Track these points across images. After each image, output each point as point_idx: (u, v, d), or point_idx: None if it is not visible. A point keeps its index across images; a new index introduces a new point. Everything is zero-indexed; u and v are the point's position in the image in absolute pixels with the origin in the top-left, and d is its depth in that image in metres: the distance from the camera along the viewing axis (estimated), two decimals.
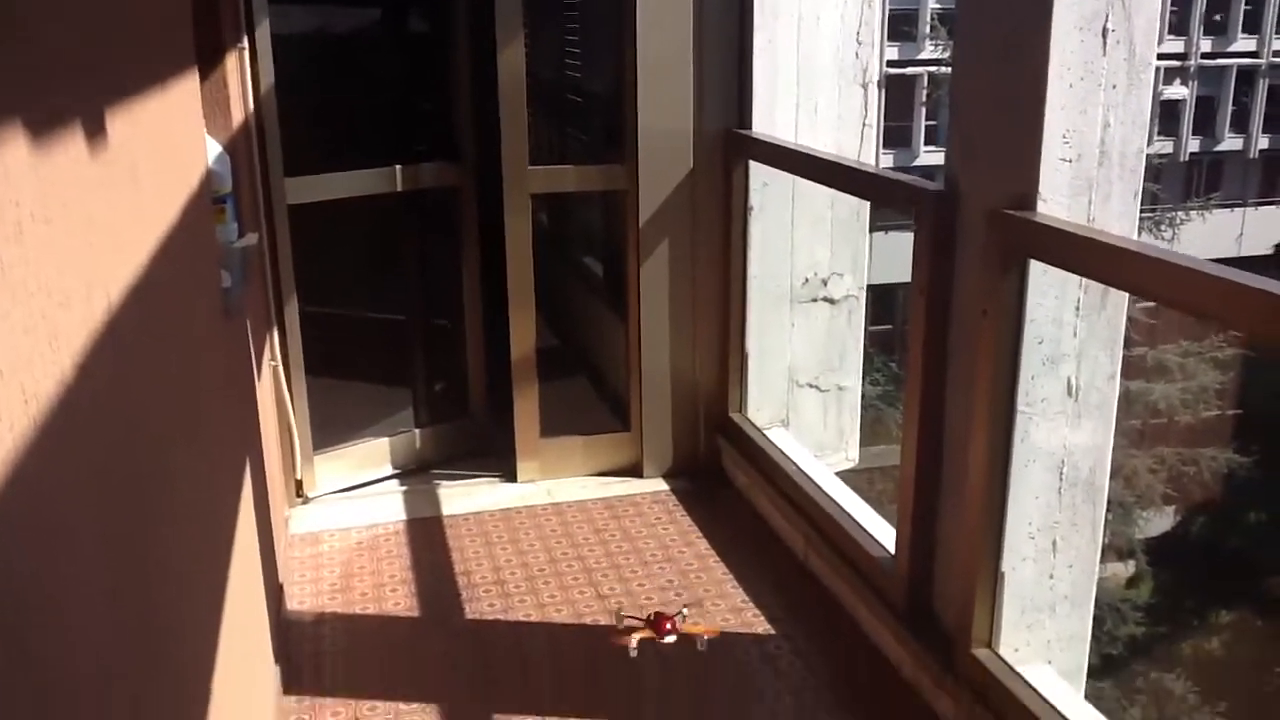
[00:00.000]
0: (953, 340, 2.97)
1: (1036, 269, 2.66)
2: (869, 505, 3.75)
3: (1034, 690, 2.71)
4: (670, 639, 2.91)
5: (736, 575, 3.81)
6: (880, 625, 3.30)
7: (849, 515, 3.64)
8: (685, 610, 2.93)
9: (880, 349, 12.71)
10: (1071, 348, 2.76)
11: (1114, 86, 2.66)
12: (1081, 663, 2.96)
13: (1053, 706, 2.65)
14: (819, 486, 3.86)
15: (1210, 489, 11.38)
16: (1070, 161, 2.67)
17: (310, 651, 3.52)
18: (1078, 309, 2.76)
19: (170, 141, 2.33)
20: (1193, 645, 11.31)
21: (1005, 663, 2.82)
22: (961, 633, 2.90)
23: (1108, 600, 10.54)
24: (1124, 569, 11.31)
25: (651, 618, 2.96)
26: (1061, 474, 2.83)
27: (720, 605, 3.64)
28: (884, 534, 3.44)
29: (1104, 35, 2.62)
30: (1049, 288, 2.71)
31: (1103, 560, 11.24)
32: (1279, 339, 2.13)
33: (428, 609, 3.75)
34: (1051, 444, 2.80)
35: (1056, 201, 2.66)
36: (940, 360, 3.00)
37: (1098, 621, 10.34)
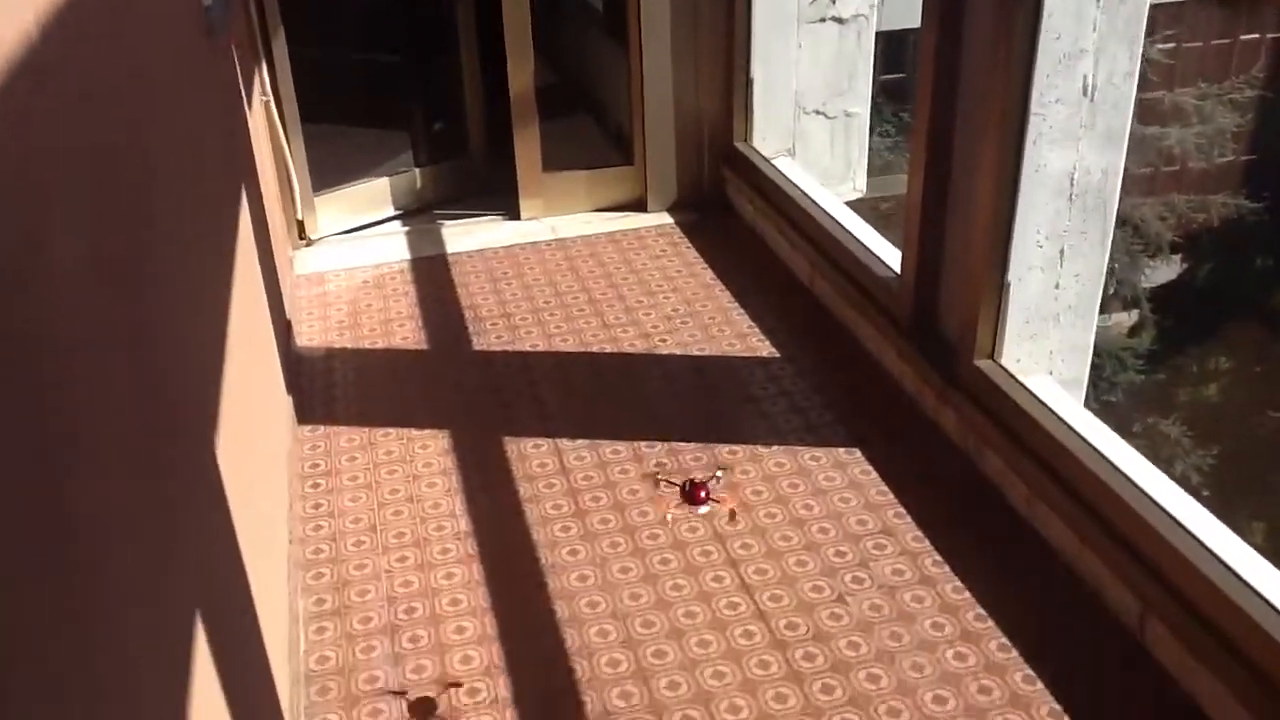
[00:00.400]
0: (966, 40, 2.83)
1: None
2: (875, 230, 3.71)
3: (1035, 398, 2.74)
4: (704, 509, 2.71)
5: (741, 302, 3.81)
6: (884, 343, 3.32)
7: (855, 238, 3.60)
8: (720, 474, 2.76)
9: (890, 99, 12.34)
10: (1090, 43, 2.63)
11: None
12: (1082, 374, 2.98)
13: (1054, 413, 2.68)
14: (826, 212, 3.80)
15: (1219, 236, 11.27)
16: None
17: (322, 384, 3.57)
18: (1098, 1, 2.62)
19: None
20: (1190, 392, 11.49)
21: (1007, 372, 2.84)
22: (964, 345, 2.91)
23: (1109, 348, 10.61)
24: (1127, 318, 11.33)
25: (687, 486, 2.76)
26: (1073, 180, 2.76)
27: (725, 331, 3.66)
28: (890, 255, 3.41)
29: None
30: None
31: (1107, 310, 11.26)
32: None
33: (436, 342, 3.78)
34: (1064, 149, 2.71)
35: None
36: (953, 64, 2.88)
37: (1097, 369, 10.49)
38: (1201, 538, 2.24)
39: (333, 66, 4.70)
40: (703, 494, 2.81)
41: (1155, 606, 2.27)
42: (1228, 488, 10.03)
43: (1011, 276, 2.80)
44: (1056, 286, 2.85)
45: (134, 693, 1.28)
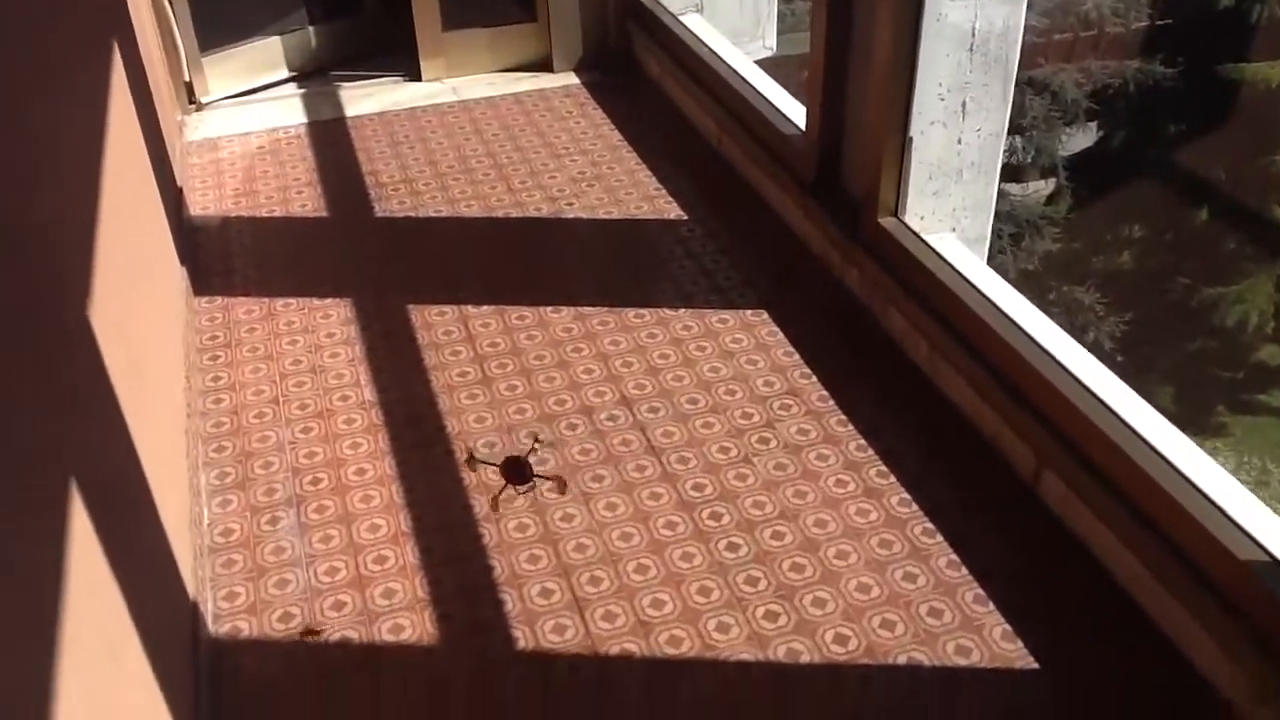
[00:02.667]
0: None
1: None
2: (784, 89, 3.64)
3: (938, 255, 2.74)
4: (524, 488, 2.43)
5: (649, 164, 3.74)
6: (790, 202, 3.29)
7: (763, 97, 3.54)
8: (538, 446, 2.43)
9: None
10: None
11: None
12: (985, 231, 2.99)
13: (955, 270, 2.69)
14: (733, 70, 3.72)
15: (1133, 101, 11.33)
16: None
17: (219, 254, 3.44)
18: None
19: None
20: (1104, 259, 11.71)
21: (911, 230, 2.83)
22: (868, 203, 2.89)
23: (1027, 217, 10.71)
24: (1044, 186, 11.43)
25: (508, 466, 2.44)
26: (974, 30, 2.70)
27: (633, 194, 3.60)
28: (796, 113, 3.36)
29: None
30: None
31: (1023, 179, 11.32)
32: None
33: (336, 209, 3.66)
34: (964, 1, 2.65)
35: None
36: None
37: (1015, 239, 10.62)
38: (1094, 388, 2.28)
39: None
40: (526, 470, 2.51)
41: (1050, 459, 2.33)
42: (1139, 353, 10.33)
43: (914, 131, 2.77)
44: (959, 142, 2.83)
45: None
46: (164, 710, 1.70)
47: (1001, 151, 2.99)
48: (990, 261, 2.94)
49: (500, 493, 2.44)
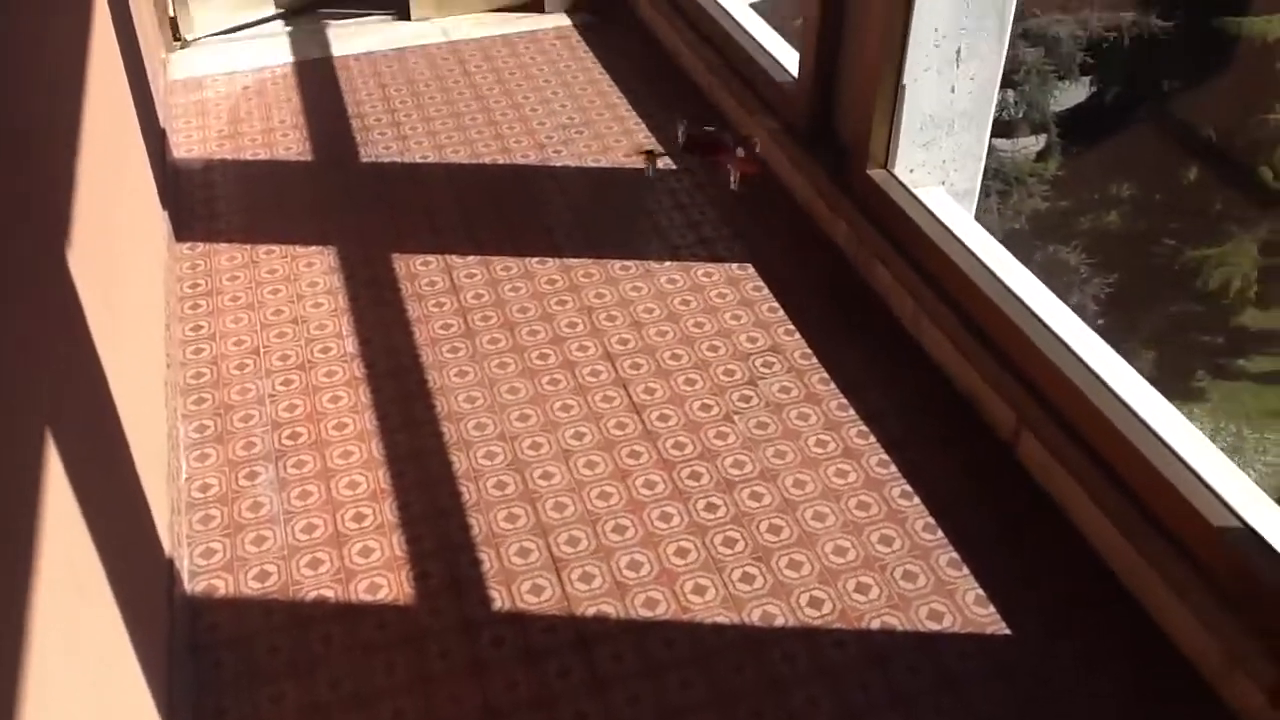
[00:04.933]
0: None
1: None
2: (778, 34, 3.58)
3: (926, 209, 2.71)
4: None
5: (640, 111, 3.68)
6: (779, 152, 3.25)
7: (755, 41, 3.48)
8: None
9: None
10: None
11: None
12: (974, 184, 2.95)
13: (943, 225, 2.66)
14: (727, 13, 3.65)
15: (1128, 55, 11.15)
16: None
17: (202, 198, 3.40)
18: None
19: None
20: (1091, 219, 11.60)
21: (899, 183, 2.80)
22: (858, 154, 2.85)
23: (1017, 174, 10.60)
24: (1034, 142, 11.27)
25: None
26: None
27: (622, 141, 3.54)
28: (789, 59, 3.30)
29: None
30: None
31: (1014, 134, 11.18)
32: None
33: (321, 153, 3.61)
34: None
35: None
36: None
37: (1003, 195, 10.53)
38: (1075, 349, 2.27)
39: None
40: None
41: (1029, 420, 2.32)
42: (1123, 316, 10.27)
43: (907, 79, 2.72)
44: (952, 90, 2.78)
45: None
46: (134, 662, 1.71)
47: (994, 100, 2.95)
48: (977, 218, 2.91)
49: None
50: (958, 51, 2.69)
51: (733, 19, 3.63)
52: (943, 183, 2.87)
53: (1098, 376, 2.22)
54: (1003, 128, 10.46)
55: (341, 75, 4.01)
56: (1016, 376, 2.36)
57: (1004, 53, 2.79)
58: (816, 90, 3.02)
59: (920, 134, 2.78)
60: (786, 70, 3.26)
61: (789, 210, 3.18)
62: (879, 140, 2.79)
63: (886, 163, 2.82)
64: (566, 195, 3.36)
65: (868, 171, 2.81)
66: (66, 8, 2.44)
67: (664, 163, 3.34)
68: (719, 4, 3.72)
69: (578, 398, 2.56)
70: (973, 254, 2.57)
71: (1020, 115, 11.13)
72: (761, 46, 3.45)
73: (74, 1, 2.55)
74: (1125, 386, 2.20)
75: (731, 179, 3.22)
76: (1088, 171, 11.62)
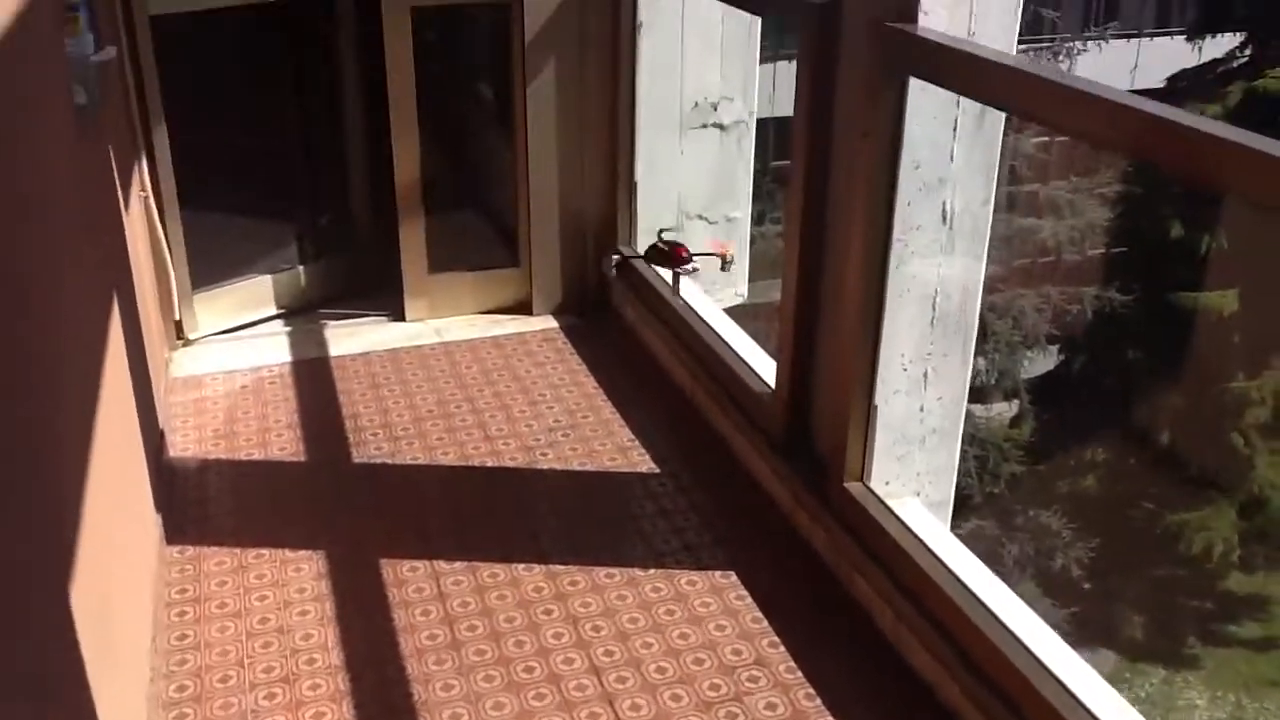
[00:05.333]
0: (834, 165, 2.94)
1: (916, 88, 2.61)
2: (755, 341, 3.79)
3: (903, 524, 2.81)
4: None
5: (623, 414, 3.84)
6: (760, 461, 3.38)
7: (733, 351, 3.67)
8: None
9: (784, 185, 12.63)
10: (948, 173, 2.75)
11: None
12: (948, 494, 3.07)
13: (919, 540, 2.75)
14: (705, 322, 3.87)
15: (1092, 328, 11.78)
16: None
17: (194, 499, 3.48)
18: (955, 130, 2.73)
19: None
20: (1069, 483, 11.89)
21: (876, 496, 2.91)
22: (835, 466, 2.97)
23: (991, 439, 10.99)
24: (1008, 409, 11.74)
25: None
26: (934, 304, 2.86)
27: (607, 444, 3.68)
28: (766, 369, 3.48)
29: None
30: (927, 107, 2.66)
31: (988, 400, 11.65)
32: (1151, 157, 2.13)
33: (314, 454, 3.72)
34: (925, 274, 2.81)
35: (936, 13, 2.60)
36: (821, 187, 2.98)
37: (981, 461, 10.81)
38: (1061, 677, 2.31)
39: (217, 152, 4.64)
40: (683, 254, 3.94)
41: None
42: (1108, 580, 10.37)
43: (878, 399, 2.89)
44: (921, 410, 2.95)
45: None
46: None
47: (963, 415, 3.11)
48: (956, 485, 3.02)
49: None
50: (925, 375, 2.87)
51: (709, 327, 3.85)
52: (918, 494, 2.99)
53: (1074, 696, 2.25)
54: (976, 394, 10.88)
55: (337, 375, 4.17)
56: (994, 692, 2.39)
57: (969, 370, 2.97)
58: (792, 404, 3.18)
59: (894, 449, 2.92)
60: (764, 381, 3.44)
61: (770, 518, 3.27)
62: (854, 454, 2.92)
63: (863, 475, 2.94)
64: (553, 499, 3.46)
65: (845, 485, 2.93)
66: (76, 316, 2.58)
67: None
68: (696, 313, 3.96)
69: (564, 714, 2.56)
70: (948, 569, 2.65)
71: (993, 382, 11.59)
72: (739, 356, 3.65)
73: (84, 309, 2.69)
74: (1105, 707, 2.23)
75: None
76: (1062, 436, 11.98)
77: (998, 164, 2.80)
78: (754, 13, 3.98)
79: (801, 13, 2.97)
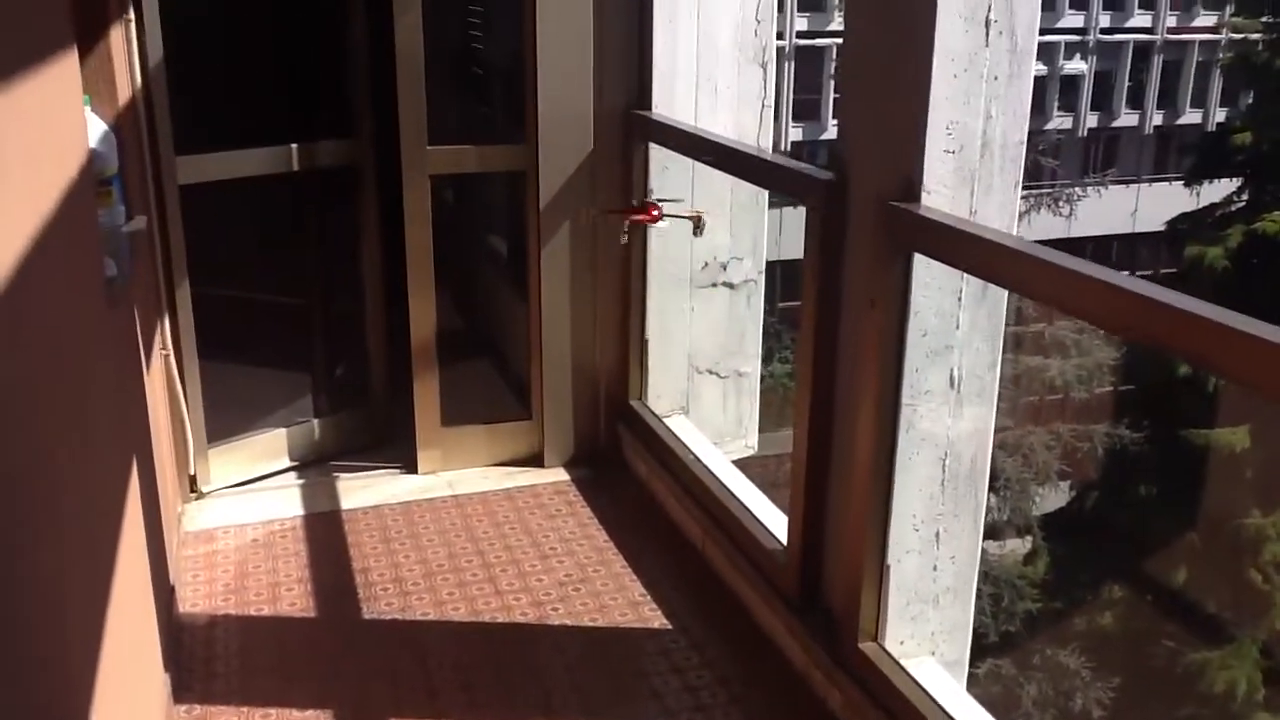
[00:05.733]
0: (843, 330, 3.00)
1: (921, 259, 2.70)
2: (765, 494, 3.80)
3: (918, 685, 2.78)
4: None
5: (635, 568, 3.83)
6: (774, 618, 3.35)
7: (744, 506, 3.68)
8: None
9: (791, 326, 12.83)
10: (955, 339, 2.81)
11: (996, 78, 2.69)
12: (964, 653, 3.04)
13: (935, 702, 2.72)
14: (716, 476, 3.89)
15: (1103, 464, 11.75)
16: (953, 153, 2.70)
17: (202, 656, 3.45)
18: (960, 300, 2.81)
19: (45, 123, 2.24)
20: (1086, 620, 11.70)
21: (890, 656, 2.88)
22: (849, 626, 2.96)
23: (1006, 577, 10.87)
24: (1021, 545, 11.63)
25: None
26: (944, 466, 2.89)
27: (618, 600, 3.66)
28: (777, 524, 3.49)
29: (987, 26, 2.65)
30: (933, 279, 2.75)
31: (1001, 537, 11.61)
32: (1148, 339, 2.18)
33: (324, 609, 3.70)
34: (935, 436, 2.85)
35: (940, 193, 2.70)
36: (830, 351, 3.04)
37: (995, 599, 10.66)
38: None
39: (238, 307, 4.76)
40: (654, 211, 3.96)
41: None
42: None
43: (890, 559, 2.88)
44: (934, 569, 2.94)
45: None
46: None
47: (976, 573, 3.10)
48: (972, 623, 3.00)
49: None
50: (936, 535, 2.87)
51: (720, 481, 3.87)
52: (933, 653, 2.96)
53: None
54: (988, 530, 10.79)
55: (349, 528, 4.18)
56: None
57: (980, 530, 2.98)
58: (805, 562, 3.18)
59: (907, 609, 2.90)
60: (776, 537, 3.44)
61: (785, 678, 3.23)
62: (868, 614, 2.90)
63: (877, 635, 2.92)
64: (563, 655, 3.42)
65: (859, 644, 2.91)
66: (95, 479, 2.61)
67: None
68: (706, 467, 3.98)
69: None
70: None
71: (1005, 519, 11.50)
72: (749, 511, 3.65)
73: (104, 472, 2.72)
74: None
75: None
76: (1077, 573, 11.80)
77: (1003, 329, 2.86)
78: (762, 186, 4.11)
79: (809, 189, 3.08)
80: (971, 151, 2.69)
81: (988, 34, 2.62)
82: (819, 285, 3.02)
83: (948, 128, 2.65)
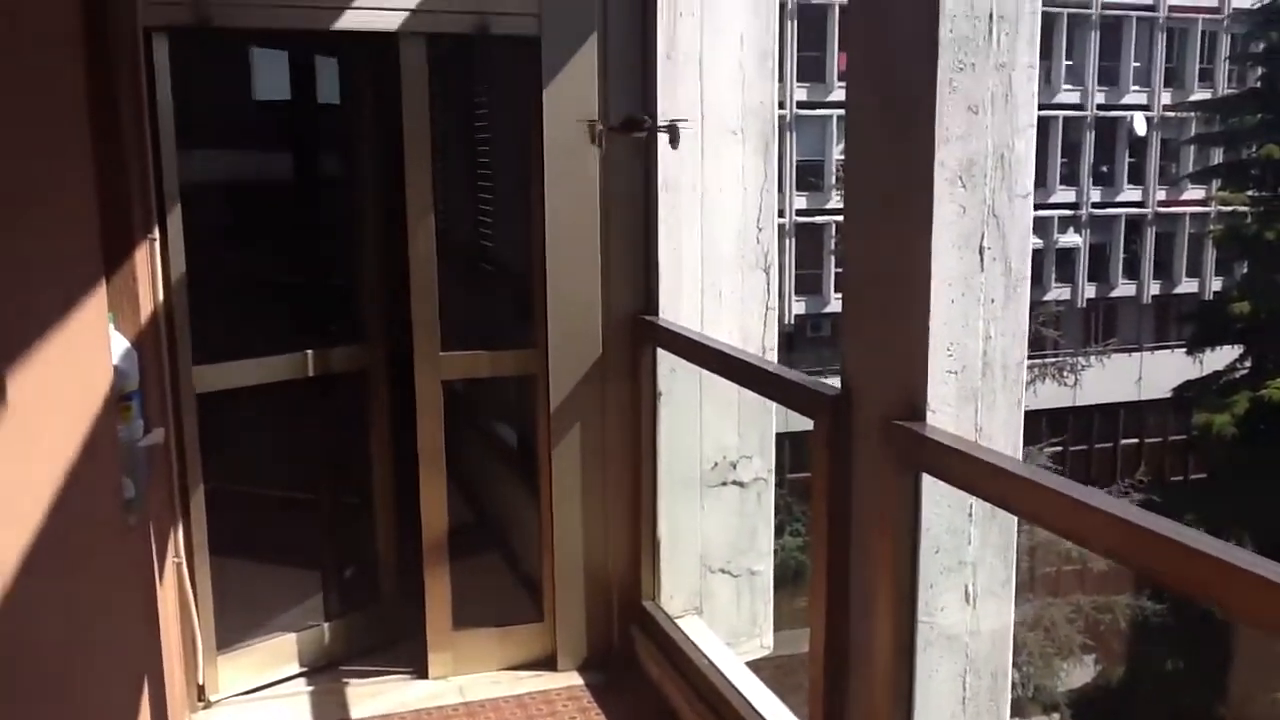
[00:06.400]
0: (854, 546, 3.01)
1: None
2: (781, 698, 3.74)
3: None
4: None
5: None
6: None
7: (758, 713, 3.62)
8: None
9: (800, 498, 12.78)
10: (967, 555, 2.82)
11: (993, 300, 2.79)
12: None
13: None
14: (729, 681, 3.84)
15: (1127, 637, 11.52)
16: (956, 373, 2.77)
17: None
18: (970, 515, 2.83)
19: (72, 346, 2.32)
20: None
21: None
22: None
23: None
24: None
25: None
26: (965, 684, 2.86)
27: None
28: None
29: (981, 253, 2.76)
30: (942, 496, 2.78)
31: (1027, 714, 11.26)
32: (1152, 573, 2.19)
33: None
34: (953, 653, 2.83)
35: (944, 412, 2.75)
36: (843, 568, 3.04)
37: None
38: None
39: (249, 506, 4.78)
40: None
41: None
42: None
43: None
44: None
45: None
46: None
47: None
48: None
49: None
50: None
51: (732, 686, 3.81)
52: None
53: None
54: (1013, 708, 10.44)
55: None
56: None
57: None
58: None
59: None
60: None
61: None
62: None
63: None
64: None
65: None
66: (104, 697, 2.58)
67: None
68: (720, 671, 3.93)
69: None
70: None
71: (1030, 696, 11.17)
72: (764, 718, 3.59)
73: (113, 689, 2.69)
74: None
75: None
76: None
77: (1015, 543, 2.88)
78: (769, 398, 4.17)
79: (815, 403, 3.14)
80: (973, 371, 2.76)
81: (982, 260, 2.73)
82: (829, 501, 3.04)
83: (949, 349, 2.72)
